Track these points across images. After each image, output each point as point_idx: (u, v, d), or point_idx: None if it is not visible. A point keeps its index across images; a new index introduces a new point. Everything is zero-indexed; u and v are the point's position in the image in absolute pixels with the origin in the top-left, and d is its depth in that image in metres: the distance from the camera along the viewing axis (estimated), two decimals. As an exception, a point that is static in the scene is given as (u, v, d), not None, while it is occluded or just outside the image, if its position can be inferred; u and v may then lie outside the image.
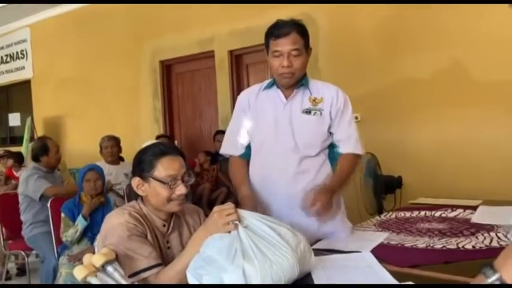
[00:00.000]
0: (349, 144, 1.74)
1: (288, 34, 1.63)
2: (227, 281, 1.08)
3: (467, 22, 3.10)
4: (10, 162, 4.95)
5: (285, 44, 1.63)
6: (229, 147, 1.88)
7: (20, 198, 3.28)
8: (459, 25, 3.13)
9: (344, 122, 1.73)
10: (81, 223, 2.67)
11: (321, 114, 1.70)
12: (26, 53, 6.70)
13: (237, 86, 4.51)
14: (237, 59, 4.52)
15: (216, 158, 4.16)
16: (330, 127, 1.72)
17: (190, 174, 1.42)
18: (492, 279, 0.77)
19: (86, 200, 2.75)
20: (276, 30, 1.65)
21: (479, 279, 0.80)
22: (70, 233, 2.66)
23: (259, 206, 1.67)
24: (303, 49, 1.66)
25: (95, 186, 2.80)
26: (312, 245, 1.45)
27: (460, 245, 1.53)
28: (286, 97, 1.72)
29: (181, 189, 1.36)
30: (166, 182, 1.35)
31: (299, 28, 1.66)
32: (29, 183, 3.15)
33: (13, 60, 6.92)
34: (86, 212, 2.69)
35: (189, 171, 1.41)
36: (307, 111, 1.70)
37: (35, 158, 3.28)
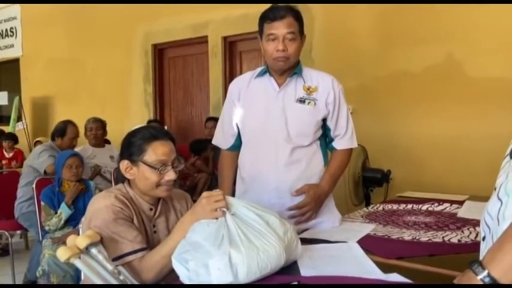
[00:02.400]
0: (345, 139, 1.74)
1: (284, 17, 1.60)
2: (213, 266, 1.07)
3: (462, 17, 3.09)
4: (6, 143, 4.91)
5: (280, 27, 1.60)
6: (219, 139, 1.87)
7: (26, 170, 3.35)
8: (454, 19, 3.13)
9: (342, 118, 1.72)
10: (65, 212, 2.63)
11: (315, 104, 1.68)
12: (16, 31, 6.57)
13: (230, 73, 4.47)
14: (230, 45, 4.48)
15: (200, 147, 4.10)
16: (324, 118, 1.71)
17: (180, 160, 1.40)
18: (481, 276, 0.76)
19: (68, 188, 2.70)
20: (271, 14, 1.62)
21: (467, 276, 0.79)
22: (53, 222, 2.62)
23: (247, 196, 1.68)
24: (298, 34, 1.64)
25: (76, 173, 2.75)
26: (299, 234, 1.44)
27: (446, 239, 1.54)
28: (279, 85, 1.70)
29: (170, 175, 1.35)
30: (157, 167, 1.33)
31: (294, 13, 1.64)
32: (41, 156, 3.26)
33: (2, 37, 6.79)
34: (68, 200, 2.66)
35: (178, 157, 1.40)
36: (301, 101, 1.68)
37: (52, 136, 3.51)
